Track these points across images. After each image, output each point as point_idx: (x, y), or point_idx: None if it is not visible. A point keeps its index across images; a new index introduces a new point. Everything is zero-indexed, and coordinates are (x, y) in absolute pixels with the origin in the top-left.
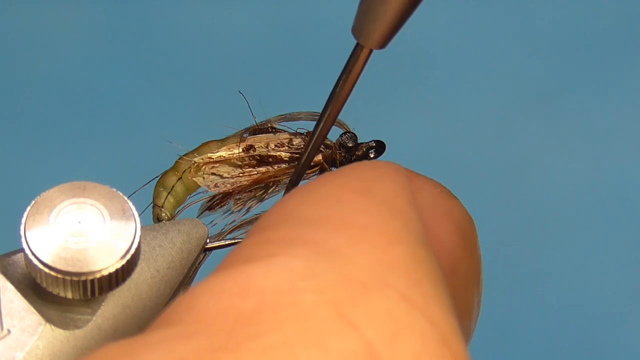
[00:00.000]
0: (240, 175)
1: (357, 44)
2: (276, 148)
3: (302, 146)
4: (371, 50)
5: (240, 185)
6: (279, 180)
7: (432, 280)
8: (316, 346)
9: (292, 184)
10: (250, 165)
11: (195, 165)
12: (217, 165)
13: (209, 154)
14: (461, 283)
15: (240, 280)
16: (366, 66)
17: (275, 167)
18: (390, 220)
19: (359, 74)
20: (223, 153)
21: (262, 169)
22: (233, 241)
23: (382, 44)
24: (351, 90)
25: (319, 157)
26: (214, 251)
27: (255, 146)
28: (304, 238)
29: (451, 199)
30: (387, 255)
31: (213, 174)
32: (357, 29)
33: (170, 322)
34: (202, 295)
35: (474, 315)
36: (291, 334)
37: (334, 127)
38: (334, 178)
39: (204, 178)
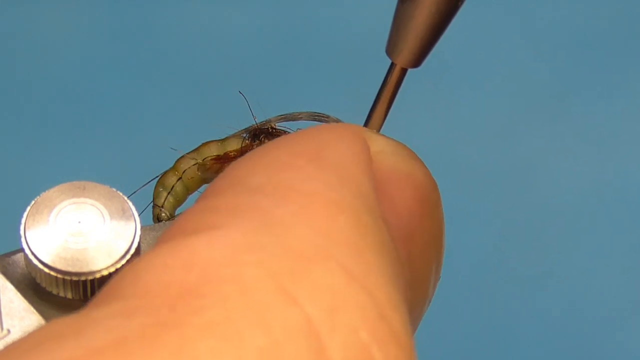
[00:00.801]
0: None
1: (392, 64)
2: None
3: None
4: (406, 70)
5: None
6: None
7: (377, 251)
8: (258, 322)
9: None
10: None
11: (200, 165)
12: (224, 166)
13: (214, 154)
14: (418, 248)
15: (183, 254)
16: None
17: None
18: (338, 188)
19: (395, 93)
20: (231, 149)
21: None
22: None
23: (416, 62)
24: (388, 111)
25: None
26: None
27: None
28: (248, 206)
29: (413, 161)
30: (331, 225)
31: (219, 172)
32: (391, 48)
33: (114, 296)
34: (145, 269)
35: (430, 281)
36: (234, 310)
37: None
38: (286, 142)
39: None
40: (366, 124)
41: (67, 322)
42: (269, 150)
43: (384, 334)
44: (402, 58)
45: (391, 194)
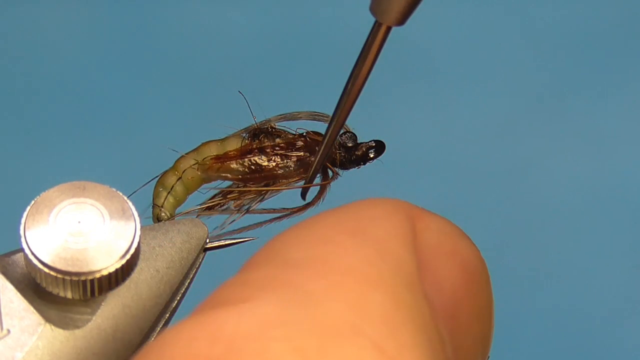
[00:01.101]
0: (243, 176)
1: (375, 22)
2: (280, 150)
3: (303, 146)
4: (390, 28)
5: (243, 187)
6: (282, 182)
7: (413, 328)
8: None
9: (318, 164)
10: (254, 168)
11: (199, 165)
12: (224, 165)
13: (214, 154)
14: (463, 324)
15: (211, 327)
16: (383, 44)
17: (280, 166)
18: (377, 264)
19: (378, 52)
20: (231, 149)
21: (267, 166)
22: (233, 241)
23: (401, 21)
24: (371, 69)
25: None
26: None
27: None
28: (281, 281)
29: (460, 238)
30: (365, 302)
31: (219, 173)
32: (375, 6)
33: None
34: (172, 342)
35: (476, 356)
36: None
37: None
38: (329, 216)
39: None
40: (347, 84)
41: None
42: (311, 224)
43: None
44: (388, 16)
45: (435, 270)
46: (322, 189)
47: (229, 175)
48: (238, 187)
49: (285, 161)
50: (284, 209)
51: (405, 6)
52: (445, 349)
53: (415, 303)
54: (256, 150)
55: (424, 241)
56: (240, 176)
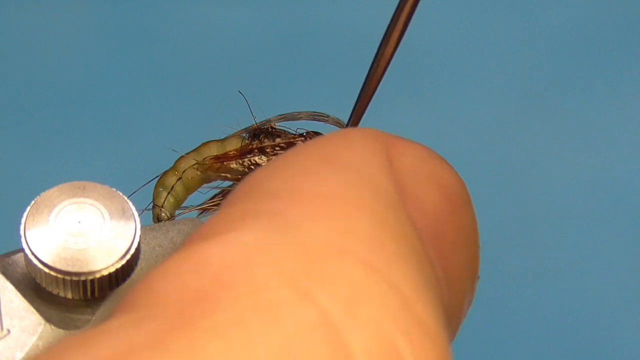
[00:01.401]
0: (243, 176)
1: None
2: (280, 150)
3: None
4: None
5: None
6: None
7: (400, 244)
8: (270, 320)
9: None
10: (254, 168)
11: (200, 165)
12: (224, 165)
13: (214, 154)
14: (448, 247)
15: (196, 259)
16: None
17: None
18: (357, 188)
19: (407, 24)
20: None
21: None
22: None
23: None
24: (398, 43)
25: None
26: None
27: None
28: (262, 210)
29: (437, 160)
30: (348, 223)
31: (219, 173)
32: None
33: (128, 307)
34: (159, 277)
35: (466, 282)
36: (245, 310)
37: (334, 127)
38: (304, 148)
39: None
40: (375, 60)
41: (82, 335)
42: (287, 157)
43: (409, 324)
44: None
45: (414, 193)
46: None
47: (229, 175)
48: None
49: None
50: None
51: None
52: (435, 269)
53: (399, 221)
54: (256, 151)
55: (401, 166)
56: (240, 176)
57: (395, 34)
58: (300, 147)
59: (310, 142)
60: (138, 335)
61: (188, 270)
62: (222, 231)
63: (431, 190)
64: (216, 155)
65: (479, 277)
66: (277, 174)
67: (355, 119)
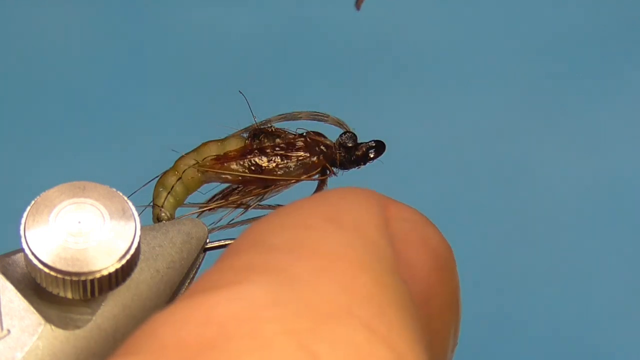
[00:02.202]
0: (243, 177)
1: None
2: (280, 150)
3: (304, 147)
4: None
5: (243, 188)
6: (282, 183)
7: (399, 309)
8: None
9: None
10: (254, 168)
11: (200, 165)
12: (224, 166)
13: (214, 154)
14: (436, 311)
15: (202, 310)
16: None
17: (280, 166)
18: (358, 248)
19: None
20: (231, 149)
21: (267, 167)
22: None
23: None
24: None
25: (320, 158)
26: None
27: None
28: (268, 265)
29: (427, 226)
30: (352, 284)
31: (219, 173)
32: None
33: (130, 351)
34: (163, 325)
35: (449, 345)
36: None
37: (334, 127)
38: (305, 204)
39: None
40: None
41: None
42: (288, 211)
43: None
44: None
45: (407, 258)
46: (320, 187)
47: (229, 176)
48: (238, 187)
49: (285, 162)
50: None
51: None
52: (425, 334)
53: (398, 286)
54: (256, 151)
55: (394, 230)
56: (240, 177)
57: None
58: (302, 202)
59: (311, 198)
60: None
61: (194, 320)
62: (228, 283)
63: (423, 255)
64: (216, 155)
65: (457, 343)
66: (277, 228)
67: None
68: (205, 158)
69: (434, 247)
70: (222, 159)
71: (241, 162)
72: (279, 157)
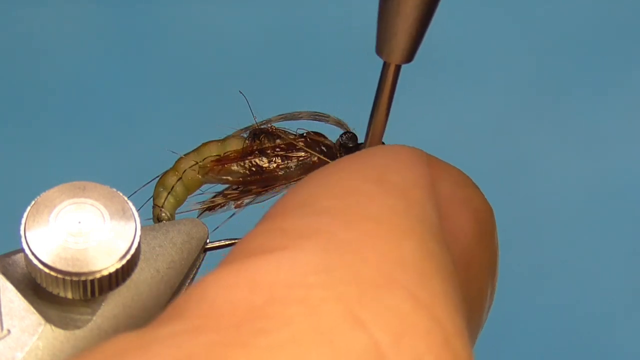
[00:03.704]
0: (243, 177)
1: (385, 63)
2: (280, 151)
3: (304, 147)
4: (399, 66)
5: (243, 188)
6: (282, 183)
7: (442, 277)
8: (325, 344)
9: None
10: (254, 169)
11: (200, 165)
12: (225, 166)
13: (215, 155)
14: (475, 274)
15: (251, 274)
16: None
17: (280, 167)
18: (404, 213)
19: (393, 91)
20: (232, 149)
21: (267, 167)
22: (233, 241)
23: (408, 58)
24: (388, 109)
25: (321, 158)
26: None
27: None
28: (316, 229)
29: (471, 187)
30: (398, 251)
31: (220, 175)
32: (380, 47)
33: (179, 314)
34: (212, 288)
35: (486, 306)
36: (300, 331)
37: (333, 127)
38: (351, 164)
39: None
40: (369, 127)
41: (131, 338)
42: (333, 172)
43: None
44: (395, 55)
45: (451, 220)
46: None
47: (229, 177)
48: (238, 187)
49: (285, 162)
50: None
51: (410, 42)
52: (464, 300)
53: (441, 252)
54: (256, 152)
55: (440, 190)
56: (240, 178)
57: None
58: (347, 161)
59: (353, 157)
60: (197, 346)
61: (243, 284)
62: (276, 247)
63: (465, 217)
64: (217, 156)
65: (492, 304)
66: (327, 191)
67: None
68: (205, 158)
69: (476, 209)
70: (222, 160)
71: (241, 163)
72: (279, 157)
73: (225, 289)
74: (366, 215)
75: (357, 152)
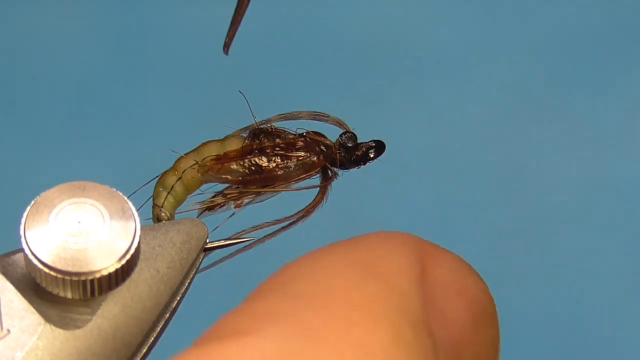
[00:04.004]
0: (243, 177)
1: None
2: (280, 150)
3: (304, 147)
4: None
5: (243, 188)
6: (282, 183)
7: None
8: None
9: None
10: (254, 169)
11: (199, 165)
12: (225, 166)
13: (214, 154)
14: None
15: (214, 358)
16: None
17: (280, 166)
18: (382, 300)
19: None
20: (232, 149)
21: (267, 167)
22: (233, 241)
23: None
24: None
25: (320, 158)
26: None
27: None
28: (286, 314)
29: (469, 275)
30: (367, 339)
31: (219, 174)
32: None
33: None
34: None
35: None
36: None
37: (334, 127)
38: (338, 249)
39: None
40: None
41: None
42: (320, 256)
43: None
44: None
45: (442, 308)
46: (323, 190)
47: (229, 176)
48: (238, 187)
49: (285, 162)
50: (286, 217)
51: None
52: None
53: (418, 341)
54: (256, 151)
55: (434, 278)
56: (240, 177)
57: None
58: (335, 246)
59: (345, 242)
60: None
61: None
62: (243, 331)
63: (459, 306)
64: (216, 156)
65: None
66: (307, 273)
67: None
68: (205, 158)
69: (474, 297)
70: (222, 159)
71: (241, 162)
72: (279, 157)
73: None
74: (341, 301)
75: (351, 238)
